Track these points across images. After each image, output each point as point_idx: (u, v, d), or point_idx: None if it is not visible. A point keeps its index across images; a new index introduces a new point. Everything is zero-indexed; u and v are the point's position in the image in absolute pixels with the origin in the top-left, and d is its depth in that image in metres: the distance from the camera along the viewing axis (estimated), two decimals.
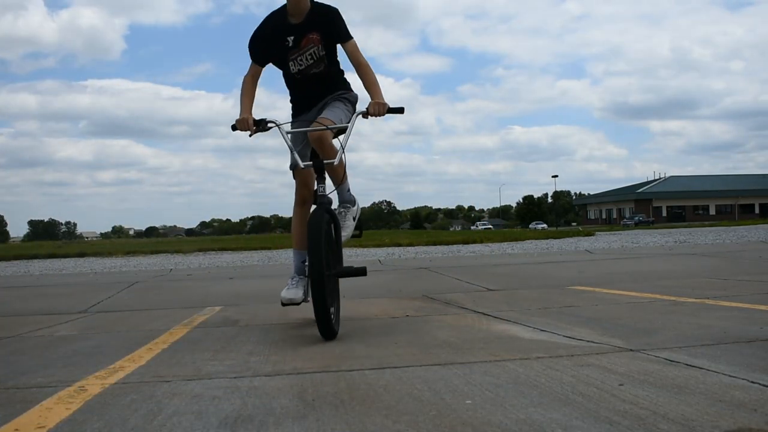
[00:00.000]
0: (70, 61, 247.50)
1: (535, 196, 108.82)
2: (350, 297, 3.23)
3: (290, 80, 3.30)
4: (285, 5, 3.11)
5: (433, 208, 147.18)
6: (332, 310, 2.88)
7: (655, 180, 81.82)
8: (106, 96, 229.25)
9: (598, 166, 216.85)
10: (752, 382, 1.68)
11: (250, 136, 3.07)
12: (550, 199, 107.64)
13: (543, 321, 3.06)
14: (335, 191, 3.25)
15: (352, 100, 3.35)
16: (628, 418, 1.40)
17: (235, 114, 3.13)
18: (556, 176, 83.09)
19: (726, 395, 1.56)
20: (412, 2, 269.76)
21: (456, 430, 1.38)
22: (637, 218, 63.31)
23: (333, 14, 3.09)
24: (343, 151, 3.06)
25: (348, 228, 3.29)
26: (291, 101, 3.41)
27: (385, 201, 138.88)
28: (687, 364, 1.93)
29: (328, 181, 3.14)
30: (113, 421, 1.54)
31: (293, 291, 3.07)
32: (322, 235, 2.65)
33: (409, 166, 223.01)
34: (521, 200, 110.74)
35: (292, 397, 1.72)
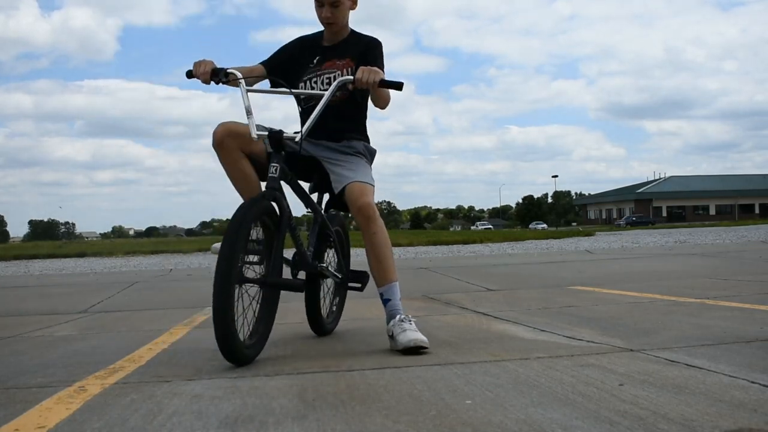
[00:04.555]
0: (64, 61, 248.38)
1: (535, 196, 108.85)
2: (350, 297, 3.24)
3: (300, 107, 2.83)
4: (322, 30, 2.81)
5: (433, 208, 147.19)
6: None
7: (655, 180, 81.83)
8: (101, 96, 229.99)
9: (596, 166, 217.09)
10: (752, 382, 1.68)
11: (207, 83, 2.60)
12: (550, 199, 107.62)
13: (543, 321, 3.06)
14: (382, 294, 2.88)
15: (368, 152, 2.86)
16: (628, 418, 1.40)
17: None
18: (556, 176, 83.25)
19: (726, 395, 1.56)
20: (403, 2, 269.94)
21: (456, 430, 1.38)
22: (631, 218, 62.92)
23: (373, 43, 2.75)
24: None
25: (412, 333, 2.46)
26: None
27: (385, 201, 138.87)
28: (687, 364, 1.93)
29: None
30: (113, 421, 1.54)
31: None
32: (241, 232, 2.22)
33: (407, 166, 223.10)
34: (521, 200, 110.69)
35: (292, 397, 1.72)
